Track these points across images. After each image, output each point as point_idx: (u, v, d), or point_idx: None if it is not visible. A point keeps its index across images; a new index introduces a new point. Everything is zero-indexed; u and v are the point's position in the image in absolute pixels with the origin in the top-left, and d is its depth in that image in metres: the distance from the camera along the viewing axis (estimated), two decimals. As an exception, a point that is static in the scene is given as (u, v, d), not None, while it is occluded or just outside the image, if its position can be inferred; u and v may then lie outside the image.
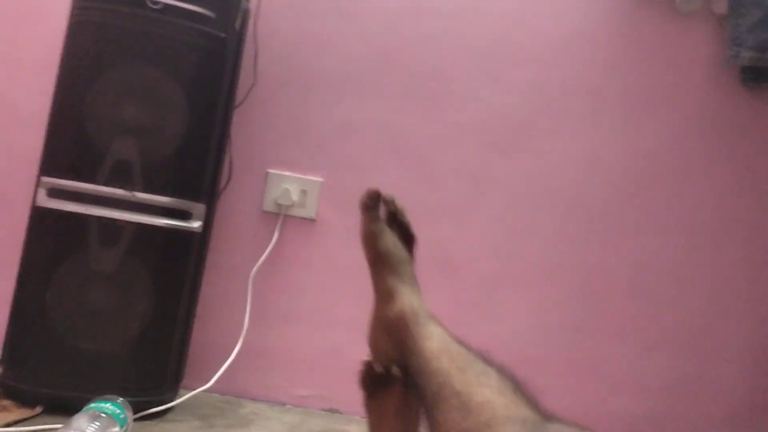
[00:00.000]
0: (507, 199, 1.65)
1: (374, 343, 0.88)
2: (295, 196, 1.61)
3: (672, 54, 1.66)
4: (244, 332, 1.52)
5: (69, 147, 1.29)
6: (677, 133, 1.66)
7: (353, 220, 1.61)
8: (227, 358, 1.47)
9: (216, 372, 1.44)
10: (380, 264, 0.87)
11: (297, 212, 1.62)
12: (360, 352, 1.59)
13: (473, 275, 1.64)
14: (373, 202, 0.89)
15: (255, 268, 1.57)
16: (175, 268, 1.34)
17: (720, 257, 1.65)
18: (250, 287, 1.56)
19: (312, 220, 1.63)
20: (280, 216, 1.61)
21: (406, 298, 0.84)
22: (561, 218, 1.65)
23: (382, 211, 0.92)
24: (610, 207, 1.65)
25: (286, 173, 1.62)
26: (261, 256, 1.58)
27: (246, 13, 1.46)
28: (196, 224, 1.35)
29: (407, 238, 0.92)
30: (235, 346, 1.50)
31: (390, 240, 0.89)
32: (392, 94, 1.65)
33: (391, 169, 1.64)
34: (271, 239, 1.60)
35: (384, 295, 0.86)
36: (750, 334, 1.65)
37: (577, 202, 1.65)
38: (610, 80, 1.66)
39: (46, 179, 1.28)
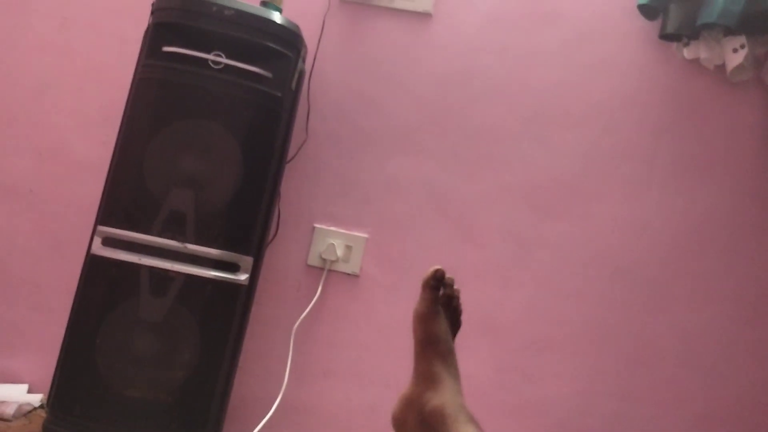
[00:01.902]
0: (552, 263, 1.63)
1: (401, 424, 0.84)
2: (339, 251, 1.62)
3: (723, 122, 1.66)
4: (284, 386, 1.51)
5: (126, 197, 1.33)
6: (728, 200, 1.64)
7: (396, 278, 1.63)
8: (266, 412, 1.47)
9: (255, 425, 1.43)
10: (429, 347, 0.85)
11: (341, 267, 1.63)
12: (399, 412, 1.57)
13: (516, 338, 1.61)
14: (436, 282, 0.87)
15: (297, 322, 1.58)
16: (221, 319, 1.36)
17: (772, 329, 1.61)
18: (292, 341, 1.56)
19: (356, 276, 1.63)
20: (325, 270, 1.62)
21: (450, 393, 0.81)
22: (607, 284, 1.62)
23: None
24: (658, 274, 1.62)
25: (332, 228, 1.64)
26: (304, 310, 1.59)
27: (301, 74, 1.51)
28: (243, 277, 1.37)
29: (454, 325, 0.91)
30: (274, 400, 1.49)
31: (443, 325, 0.87)
32: (439, 154, 1.67)
33: (436, 227, 1.65)
34: (314, 293, 1.61)
35: (426, 380, 0.83)
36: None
37: (625, 268, 1.63)
38: (660, 146, 1.66)
39: (102, 228, 1.32)
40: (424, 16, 1.70)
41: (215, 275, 1.33)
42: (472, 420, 0.78)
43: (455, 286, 0.91)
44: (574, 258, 1.63)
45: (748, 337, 1.60)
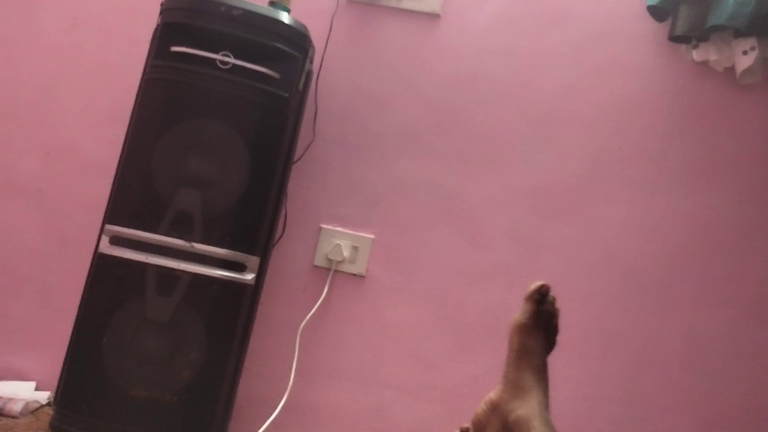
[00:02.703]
0: (558, 265, 1.63)
1: (481, 427, 0.84)
2: (346, 252, 1.62)
3: (732, 124, 1.65)
4: (289, 387, 1.51)
5: (134, 197, 1.33)
6: (737, 204, 1.63)
7: (403, 279, 1.63)
8: (272, 412, 1.47)
9: (260, 425, 1.43)
10: (525, 357, 0.85)
11: (347, 268, 1.63)
12: (403, 410, 1.57)
13: (522, 340, 1.61)
14: (540, 296, 0.88)
15: (303, 323, 1.58)
16: (227, 319, 1.36)
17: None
18: (298, 341, 1.57)
19: (362, 277, 1.63)
20: (331, 271, 1.63)
21: (538, 405, 0.81)
22: (614, 287, 1.62)
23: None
24: (665, 277, 1.62)
25: (339, 229, 1.64)
26: (310, 310, 1.59)
27: (309, 75, 1.51)
28: (249, 276, 1.37)
29: (550, 344, 0.90)
30: (280, 400, 1.49)
31: (540, 340, 0.87)
32: (446, 156, 1.67)
33: (443, 229, 1.64)
34: (320, 294, 1.61)
35: (516, 389, 0.83)
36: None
37: (632, 271, 1.62)
38: (669, 149, 1.65)
39: (110, 227, 1.33)
40: (433, 16, 1.70)
41: (222, 275, 1.33)
42: None
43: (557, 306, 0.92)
44: (581, 261, 1.62)
45: (755, 341, 1.59)
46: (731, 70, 1.62)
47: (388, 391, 1.60)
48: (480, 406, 0.85)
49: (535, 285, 0.87)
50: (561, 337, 1.57)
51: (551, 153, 1.66)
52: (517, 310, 1.60)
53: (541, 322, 0.87)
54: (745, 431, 1.56)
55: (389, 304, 1.63)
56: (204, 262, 1.33)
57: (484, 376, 1.59)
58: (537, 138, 1.66)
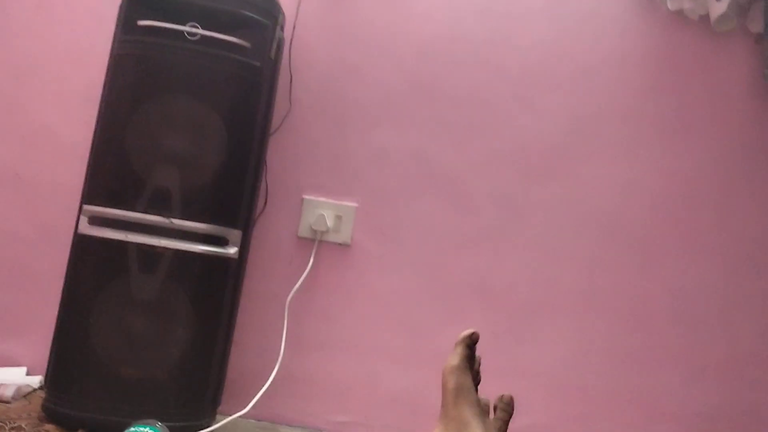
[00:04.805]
0: (543, 226, 1.63)
1: None
2: (330, 222, 1.62)
3: (708, 74, 1.64)
4: (280, 358, 1.52)
5: (110, 176, 1.32)
6: (715, 155, 1.63)
7: (388, 246, 1.63)
8: (264, 384, 1.47)
9: (253, 397, 1.44)
10: (461, 395, 0.92)
11: (332, 238, 1.63)
12: (395, 378, 1.59)
13: (510, 302, 1.62)
14: (472, 342, 0.97)
15: (291, 294, 1.58)
16: (212, 294, 1.36)
17: (764, 284, 1.61)
18: (286, 313, 1.57)
19: (347, 246, 1.63)
20: (316, 242, 1.62)
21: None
22: (599, 244, 1.62)
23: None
24: (648, 232, 1.62)
25: (321, 199, 1.64)
26: (297, 282, 1.59)
27: (280, 43, 1.49)
28: (232, 250, 1.37)
29: (476, 384, 0.99)
30: (271, 372, 1.50)
31: (471, 380, 0.96)
32: (427, 121, 1.66)
33: (426, 195, 1.64)
34: (306, 265, 1.61)
35: (459, 424, 0.90)
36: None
37: (615, 228, 1.62)
38: (646, 103, 1.64)
39: (87, 207, 1.32)
40: (404, -21, 1.68)
41: (204, 250, 1.33)
42: None
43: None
44: (565, 220, 1.63)
45: (739, 291, 1.60)
46: (706, 18, 1.61)
47: (378, 359, 1.61)
48: None
49: (466, 332, 0.96)
50: (549, 297, 1.59)
51: (531, 114, 1.65)
52: (504, 273, 1.61)
53: (470, 363, 0.96)
54: (730, 379, 1.58)
55: (376, 273, 1.63)
56: (185, 238, 1.32)
57: (473, 337, 1.60)
58: (516, 99, 1.66)
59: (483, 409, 0.94)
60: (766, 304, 1.60)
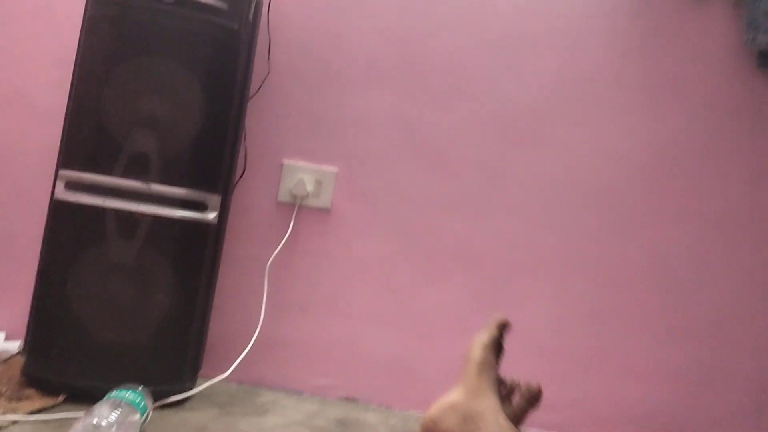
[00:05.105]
0: (524, 190, 1.64)
1: (437, 420, 0.94)
2: (310, 187, 1.62)
3: (689, 39, 1.65)
4: (260, 322, 1.53)
5: (86, 140, 1.30)
6: (694, 119, 1.65)
7: (368, 211, 1.63)
8: (244, 348, 1.49)
9: (233, 361, 1.45)
10: (486, 370, 0.97)
11: (312, 203, 1.63)
12: (375, 341, 1.61)
13: (490, 265, 1.64)
14: (505, 329, 1.02)
15: (271, 259, 1.59)
16: (192, 259, 1.36)
17: (739, 246, 1.64)
18: (266, 277, 1.58)
19: (327, 210, 1.63)
20: (296, 206, 1.62)
21: (495, 405, 0.93)
22: (579, 208, 1.64)
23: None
24: (627, 196, 1.64)
25: (301, 164, 1.63)
26: (277, 246, 1.60)
27: (258, 4, 1.47)
28: (211, 215, 1.37)
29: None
30: (252, 336, 1.51)
31: (494, 361, 1.00)
32: (408, 85, 1.65)
33: (407, 160, 1.64)
34: (286, 230, 1.61)
35: (477, 393, 0.95)
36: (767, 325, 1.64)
37: (595, 192, 1.64)
38: (627, 68, 1.65)
39: (64, 172, 1.30)
40: (385, -60, 1.65)
41: (183, 215, 1.32)
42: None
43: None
44: (546, 185, 1.64)
45: (714, 253, 1.63)
46: (687, -18, 1.60)
47: (359, 322, 1.62)
48: (435, 408, 0.94)
49: (502, 317, 1.02)
50: (529, 260, 1.61)
51: (513, 78, 1.65)
52: (485, 236, 1.62)
53: (497, 348, 1.00)
54: (708, 338, 1.63)
55: (356, 237, 1.64)
56: (164, 203, 1.31)
57: (454, 301, 1.63)
58: (498, 63, 1.65)
59: (501, 392, 0.98)
60: (741, 268, 1.63)
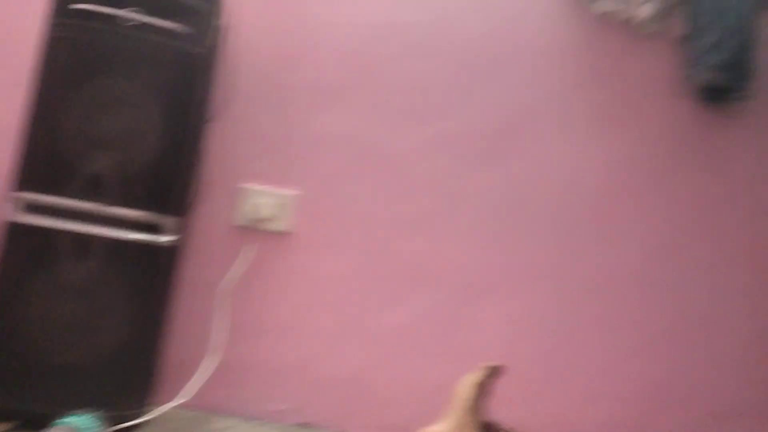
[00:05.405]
0: (482, 210, 1.68)
1: None
2: (269, 210, 1.63)
3: (633, 73, 1.72)
4: (216, 346, 1.52)
5: (42, 161, 1.29)
6: (640, 148, 1.72)
7: (327, 234, 1.65)
8: (200, 373, 1.47)
9: (189, 387, 1.44)
10: (472, 409, 1.02)
11: (270, 225, 1.63)
12: (334, 363, 1.61)
13: (449, 286, 1.66)
14: (497, 374, 1.06)
15: (228, 282, 1.58)
16: (147, 283, 1.35)
17: (684, 267, 1.70)
18: (222, 301, 1.57)
19: (285, 233, 1.64)
20: (254, 229, 1.63)
21: None
22: (535, 229, 1.68)
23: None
24: (579, 218, 1.69)
25: (260, 187, 1.64)
26: (234, 270, 1.59)
27: (219, 29, 1.48)
28: (168, 238, 1.36)
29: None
30: (208, 361, 1.50)
31: (482, 401, 1.05)
32: (367, 108, 1.68)
33: (367, 181, 1.66)
34: (244, 253, 1.61)
35: (461, 427, 1.00)
36: (715, 341, 1.69)
37: (549, 213, 1.69)
38: (577, 96, 1.71)
39: (19, 194, 1.28)
40: (345, -29, 1.69)
41: (139, 237, 1.32)
42: None
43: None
44: (502, 205, 1.68)
45: (661, 273, 1.70)
46: (632, 20, 1.69)
47: (318, 344, 1.62)
48: None
49: (497, 363, 1.06)
50: (487, 280, 1.64)
51: (471, 101, 1.69)
52: (443, 258, 1.64)
53: (489, 389, 1.05)
54: (656, 360, 1.68)
55: (315, 259, 1.65)
56: (120, 225, 1.30)
57: (412, 322, 1.64)
58: (456, 87, 1.69)
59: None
60: (683, 288, 1.69)
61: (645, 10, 1.61)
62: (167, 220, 1.36)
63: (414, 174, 1.68)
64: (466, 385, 1.03)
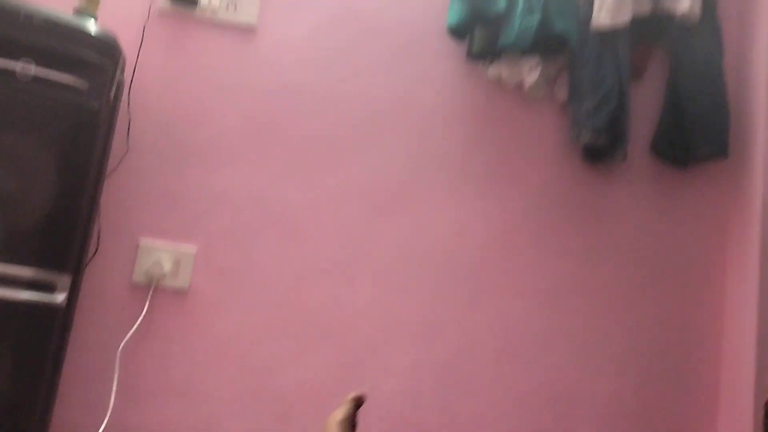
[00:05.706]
0: (384, 260, 1.71)
1: None
2: (167, 267, 1.59)
3: (522, 134, 1.84)
4: (110, 410, 1.45)
5: None
6: (530, 204, 1.82)
7: (227, 291, 1.63)
8: (92, 438, 1.40)
9: (79, 453, 1.36)
10: None
11: (169, 283, 1.60)
12: (233, 424, 1.57)
13: (353, 337, 1.67)
14: (360, 403, 1.03)
15: (123, 343, 1.53)
16: (37, 344, 1.28)
17: (572, 316, 1.80)
18: (117, 362, 1.51)
19: (184, 291, 1.61)
20: (151, 287, 1.58)
21: None
22: (434, 280, 1.73)
23: None
24: (476, 270, 1.76)
25: (159, 242, 1.60)
26: (130, 329, 1.54)
27: (120, 85, 1.47)
28: (60, 297, 1.30)
29: None
30: (101, 425, 1.43)
31: None
32: (268, 164, 1.69)
33: (267, 236, 1.66)
34: (141, 312, 1.56)
35: None
36: (602, 390, 1.79)
37: (449, 265, 1.75)
38: (472, 155, 1.80)
39: None
40: (249, 29, 1.72)
41: (29, 296, 1.25)
42: None
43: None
44: (404, 257, 1.72)
45: (554, 325, 1.78)
46: (521, 84, 1.81)
47: (217, 404, 1.58)
48: None
49: (357, 393, 1.04)
50: (390, 330, 1.67)
51: (371, 158, 1.74)
52: (348, 308, 1.66)
53: (354, 421, 1.04)
54: (550, 405, 1.75)
55: (215, 316, 1.62)
56: (8, 283, 1.24)
57: (314, 379, 1.64)
58: (358, 143, 1.74)
59: None
60: (572, 336, 1.79)
61: (533, 76, 1.73)
62: (60, 278, 1.30)
63: (316, 226, 1.70)
64: (331, 426, 1.04)
